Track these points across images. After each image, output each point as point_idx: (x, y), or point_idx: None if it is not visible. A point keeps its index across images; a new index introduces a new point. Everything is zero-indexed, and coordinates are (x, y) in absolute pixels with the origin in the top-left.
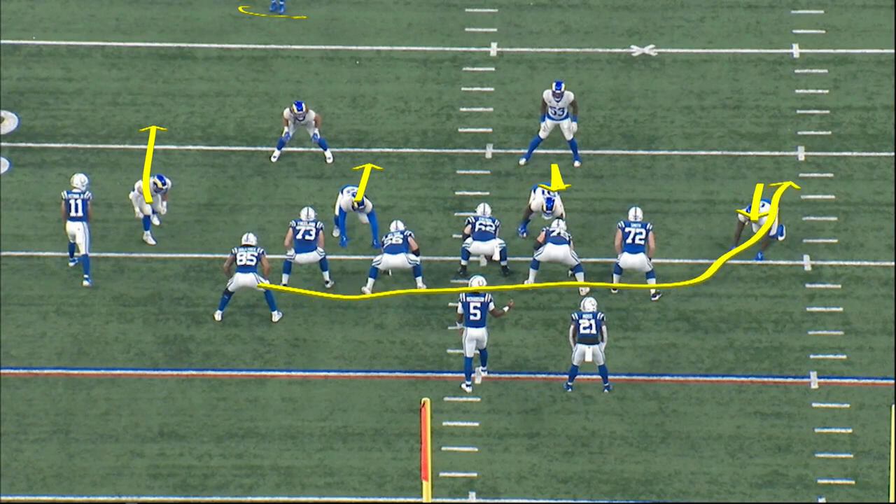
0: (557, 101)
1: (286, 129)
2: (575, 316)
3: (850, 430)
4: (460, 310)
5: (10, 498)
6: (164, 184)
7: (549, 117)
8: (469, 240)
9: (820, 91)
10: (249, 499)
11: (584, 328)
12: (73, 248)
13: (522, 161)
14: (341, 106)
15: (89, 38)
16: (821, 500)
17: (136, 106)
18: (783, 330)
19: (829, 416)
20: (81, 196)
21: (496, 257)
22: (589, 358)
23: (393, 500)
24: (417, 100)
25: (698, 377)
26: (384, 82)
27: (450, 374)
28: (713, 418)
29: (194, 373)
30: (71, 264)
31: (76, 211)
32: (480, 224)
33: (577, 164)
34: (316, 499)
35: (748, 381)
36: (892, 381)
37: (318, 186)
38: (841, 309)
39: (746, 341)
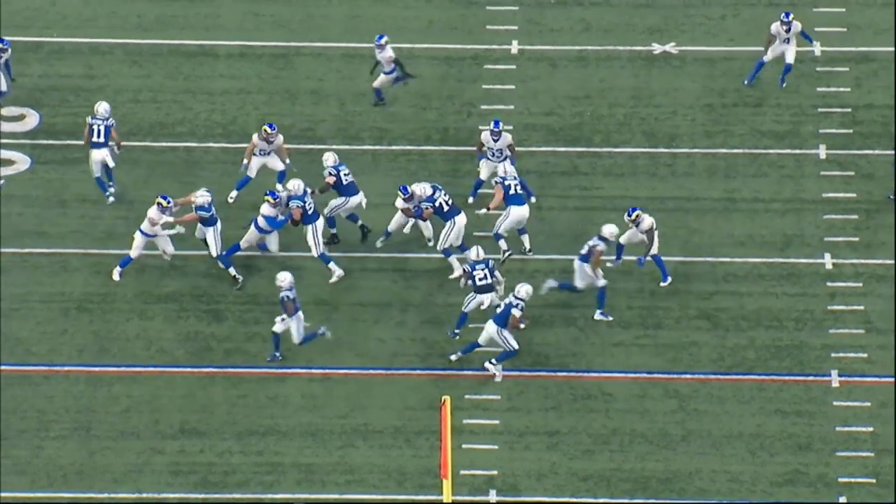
0: (496, 141)
1: (245, 161)
2: (468, 267)
3: (871, 429)
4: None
5: (31, 494)
6: (168, 203)
7: (487, 158)
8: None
9: (841, 89)
10: (270, 496)
11: (480, 279)
12: (101, 183)
13: (470, 199)
14: (363, 103)
15: (111, 35)
16: (841, 500)
17: (157, 103)
18: (804, 328)
19: (850, 415)
20: (105, 122)
21: (485, 305)
22: (485, 305)
23: (413, 497)
24: (438, 97)
25: (719, 375)
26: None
27: (470, 372)
28: (734, 416)
29: (215, 370)
30: (110, 200)
31: (98, 136)
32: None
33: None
34: (336, 496)
35: (769, 380)
36: None
37: None
38: (862, 307)
39: (767, 339)
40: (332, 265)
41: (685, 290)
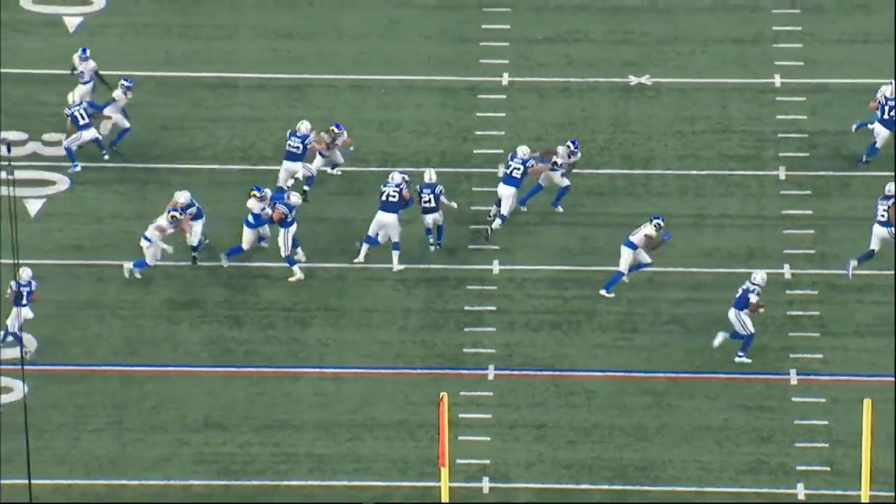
0: (569, 157)
1: (315, 164)
2: (418, 188)
3: (825, 422)
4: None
5: (69, 482)
6: (180, 216)
7: (553, 171)
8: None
9: (799, 117)
10: (285, 483)
11: (425, 201)
12: (70, 153)
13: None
14: (370, 130)
15: (142, 68)
16: (799, 486)
17: (183, 130)
18: (766, 331)
19: (807, 410)
20: (81, 107)
21: (429, 224)
22: (430, 224)
23: (414, 483)
24: (437, 124)
25: (690, 374)
26: (407, 108)
27: (466, 371)
28: (703, 411)
29: (235, 370)
30: (106, 156)
31: (84, 119)
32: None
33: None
34: (345, 483)
35: (734, 378)
36: (864, 379)
37: (348, 202)
38: (818, 313)
39: (733, 342)
40: (295, 268)
41: (659, 297)
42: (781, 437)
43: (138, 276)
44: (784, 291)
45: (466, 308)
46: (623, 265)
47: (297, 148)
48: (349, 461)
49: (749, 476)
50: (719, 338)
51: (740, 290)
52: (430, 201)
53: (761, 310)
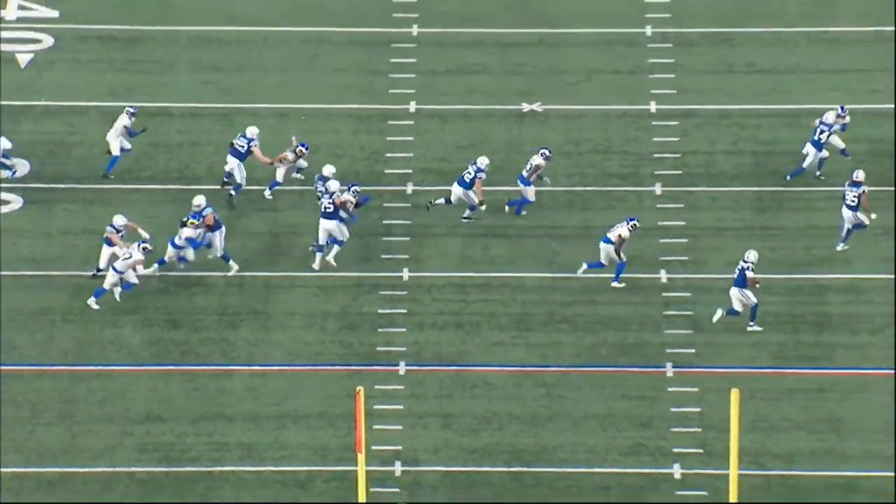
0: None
1: (281, 172)
2: (315, 176)
3: (698, 409)
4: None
5: (25, 469)
6: (119, 231)
7: (530, 182)
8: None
9: (672, 139)
10: (219, 469)
11: (324, 207)
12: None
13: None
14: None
15: (88, 99)
16: (676, 466)
17: (124, 154)
18: (645, 329)
19: (682, 398)
20: None
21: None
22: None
23: (334, 468)
24: (352, 147)
25: (578, 368)
26: (325, 133)
27: (379, 367)
28: (590, 400)
29: (173, 368)
30: (12, 174)
31: None
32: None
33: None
34: (272, 468)
35: (618, 371)
36: (732, 370)
37: (273, 217)
38: (691, 313)
39: (616, 339)
40: (230, 262)
41: (550, 299)
42: (659, 423)
43: (97, 306)
44: (660, 294)
45: (379, 311)
46: (602, 258)
47: (242, 147)
48: (275, 449)
49: (631, 458)
50: (718, 314)
51: (738, 271)
52: (330, 207)
53: (758, 285)
